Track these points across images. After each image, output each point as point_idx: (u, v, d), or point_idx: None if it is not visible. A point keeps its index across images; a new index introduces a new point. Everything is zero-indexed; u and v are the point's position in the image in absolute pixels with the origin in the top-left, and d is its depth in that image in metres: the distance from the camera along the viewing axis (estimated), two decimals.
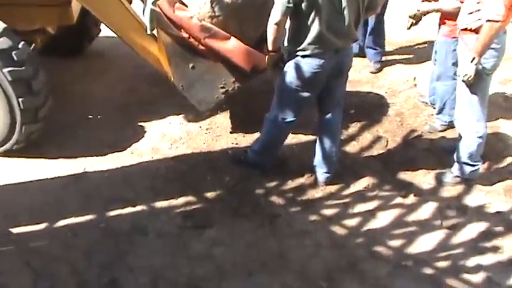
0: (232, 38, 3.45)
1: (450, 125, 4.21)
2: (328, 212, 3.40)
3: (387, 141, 4.13)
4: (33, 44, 4.05)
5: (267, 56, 3.33)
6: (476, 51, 3.15)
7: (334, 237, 3.20)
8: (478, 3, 3.17)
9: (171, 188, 3.58)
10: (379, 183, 3.66)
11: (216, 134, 4.19)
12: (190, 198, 3.50)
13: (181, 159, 3.88)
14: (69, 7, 3.99)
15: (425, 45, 5.69)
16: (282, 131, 3.59)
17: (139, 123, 4.31)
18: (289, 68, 3.27)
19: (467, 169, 3.53)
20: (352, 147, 4.05)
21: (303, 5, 3.01)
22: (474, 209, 3.39)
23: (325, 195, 3.55)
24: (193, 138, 4.14)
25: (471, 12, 3.23)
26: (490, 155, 3.81)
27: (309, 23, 3.06)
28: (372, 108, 4.57)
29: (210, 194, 3.54)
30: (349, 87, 3.64)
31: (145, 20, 3.56)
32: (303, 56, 3.17)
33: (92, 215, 3.34)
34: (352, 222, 3.31)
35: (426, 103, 4.58)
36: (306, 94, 3.33)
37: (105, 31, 5.02)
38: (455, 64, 3.99)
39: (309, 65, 3.18)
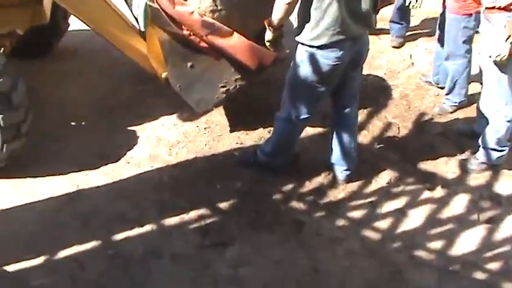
0: (235, 33, 3.12)
1: (460, 106, 4.04)
2: (355, 214, 3.15)
3: (399, 128, 3.90)
4: (2, 49, 3.56)
5: (267, 32, 2.95)
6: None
7: (368, 243, 2.96)
8: None
9: (179, 201, 3.24)
10: (401, 176, 3.43)
11: (217, 133, 3.84)
12: (202, 211, 3.17)
13: (185, 166, 3.53)
14: (41, 5, 3.51)
15: (415, 19, 5.44)
16: (296, 129, 3.29)
17: (130, 128, 3.89)
18: (303, 62, 2.93)
19: (495, 154, 3.34)
20: (364, 137, 3.79)
21: None
22: (507, 198, 3.21)
23: (348, 195, 3.30)
24: (193, 140, 3.78)
25: None
26: None
27: (325, 5, 2.70)
28: (375, 91, 4.31)
29: (223, 205, 3.22)
30: None
31: (139, 16, 3.15)
32: (319, 47, 2.83)
33: (96, 241, 2.97)
34: (383, 224, 3.08)
35: (430, 83, 4.37)
36: (322, 89, 3.01)
37: (74, 24, 4.53)
38: (465, 42, 3.80)
39: (326, 57, 2.85)
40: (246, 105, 3.99)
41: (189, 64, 3.21)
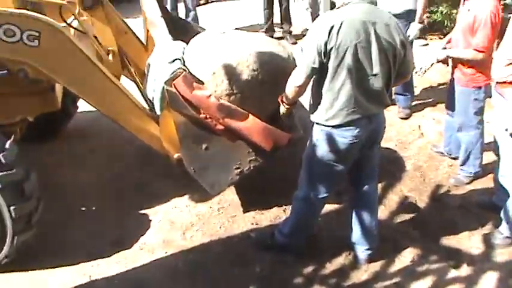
0: (251, 116, 3.11)
1: (476, 176, 3.99)
2: None
3: (416, 202, 3.82)
4: (13, 136, 3.52)
5: (281, 107, 3.02)
6: None
7: None
8: None
9: None
10: (424, 253, 3.31)
11: (231, 214, 3.75)
12: None
13: (200, 251, 3.41)
14: (53, 93, 3.52)
15: (421, 89, 5.51)
16: (315, 209, 3.21)
17: (141, 211, 3.81)
18: (319, 141, 2.90)
19: None
20: (381, 213, 3.68)
21: (330, 65, 2.67)
22: None
23: (372, 276, 3.16)
24: (207, 222, 3.68)
25: (509, 64, 3.01)
26: None
27: (338, 85, 2.71)
28: (388, 164, 4.26)
29: None
30: None
31: (155, 99, 3.14)
32: (335, 126, 2.81)
33: None
34: None
35: (442, 153, 4.34)
36: (339, 168, 2.96)
37: (82, 106, 4.55)
38: (477, 113, 3.81)
39: (343, 136, 2.82)
40: (259, 183, 3.91)
41: (203, 146, 3.17)
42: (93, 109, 3.44)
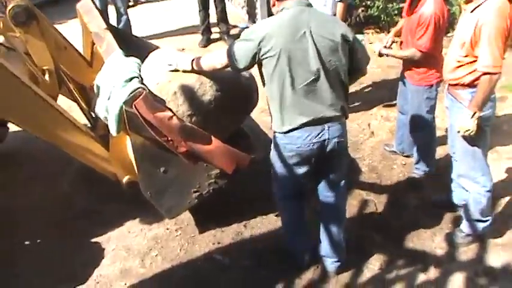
0: (213, 138, 2.97)
1: (430, 174, 4.02)
2: None
3: (375, 205, 3.80)
4: None
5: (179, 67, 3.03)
6: (477, 106, 2.93)
7: None
8: (466, 56, 2.96)
9: None
10: (390, 259, 3.29)
11: (190, 234, 3.57)
12: None
13: (163, 278, 3.22)
14: None
15: (367, 87, 5.52)
16: (289, 209, 3.17)
17: (92, 240, 3.55)
18: (274, 147, 2.89)
19: (480, 225, 3.30)
20: None
21: (268, 72, 2.64)
22: (503, 271, 3.13)
23: None
24: (165, 245, 3.48)
25: (460, 66, 3.02)
26: None
27: (279, 91, 2.66)
28: None
29: None
30: None
31: (110, 119, 2.88)
32: (286, 132, 2.74)
33: None
34: None
35: (395, 152, 4.35)
36: (298, 170, 2.89)
37: (13, 126, 4.20)
38: (429, 112, 3.83)
39: (293, 143, 2.75)
40: (215, 199, 3.75)
41: (162, 169, 2.99)
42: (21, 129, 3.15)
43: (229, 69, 2.80)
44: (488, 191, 3.21)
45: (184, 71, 3.00)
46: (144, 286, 3.16)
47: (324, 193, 3.05)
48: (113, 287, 3.17)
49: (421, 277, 3.14)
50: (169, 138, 2.83)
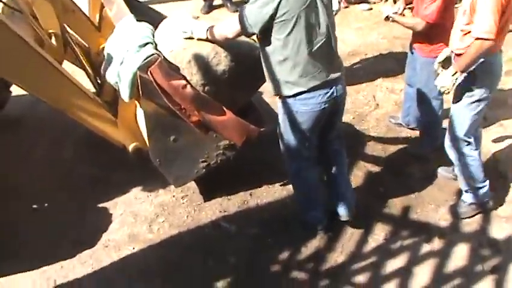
0: (226, 110, 2.96)
1: (437, 146, 4.02)
2: (361, 279, 3.01)
3: (380, 176, 3.82)
4: None
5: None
6: (460, 67, 2.97)
7: None
8: (468, 24, 2.95)
9: (171, 287, 2.96)
10: (395, 229, 3.33)
11: (196, 202, 3.59)
12: None
13: (170, 244, 3.26)
14: None
15: (372, 58, 5.48)
16: (306, 176, 3.18)
17: (100, 205, 3.57)
18: (286, 114, 2.91)
19: (479, 192, 3.35)
20: None
21: (282, 35, 2.63)
22: (505, 243, 3.18)
23: (348, 257, 3.15)
24: (172, 212, 3.51)
25: (464, 34, 3.01)
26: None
27: (293, 54, 2.68)
28: (347, 139, 4.13)
29: (221, 284, 2.98)
30: None
31: (123, 84, 2.84)
32: (297, 95, 2.78)
33: None
34: (391, 287, 2.95)
35: (400, 124, 4.36)
36: (311, 132, 2.96)
37: (15, 91, 4.16)
38: None
39: (306, 104, 2.81)
40: (222, 167, 3.77)
41: (172, 138, 2.98)
42: (26, 93, 3.11)
43: (244, 39, 2.79)
44: (474, 159, 3.27)
45: (199, 39, 2.98)
46: (152, 251, 3.20)
47: (328, 143, 3.17)
48: (121, 251, 3.21)
49: (425, 247, 3.19)
50: (182, 107, 2.82)
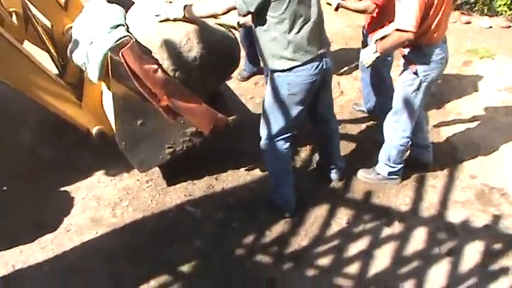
0: (195, 96, 2.96)
1: None
2: (324, 261, 3.06)
3: (345, 163, 3.88)
4: None
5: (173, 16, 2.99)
6: (380, 48, 3.11)
7: None
8: None
9: (136, 269, 2.95)
10: (357, 214, 3.40)
11: (161, 186, 3.57)
12: (164, 277, 2.92)
13: (135, 228, 3.24)
14: None
15: (337, 46, 5.54)
16: (282, 152, 3.21)
17: (62, 188, 3.51)
18: (278, 86, 2.99)
19: (386, 169, 3.59)
20: (316, 176, 3.73)
21: (278, 12, 2.73)
22: (461, 227, 3.29)
23: (312, 241, 3.20)
24: (136, 196, 3.49)
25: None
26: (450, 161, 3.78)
27: (289, 29, 2.80)
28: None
29: (186, 268, 2.98)
30: None
31: (92, 65, 2.78)
32: (292, 69, 2.90)
33: None
34: (353, 269, 3.01)
35: (363, 111, 4.44)
36: (299, 108, 3.06)
37: None
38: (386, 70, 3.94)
39: (299, 76, 2.92)
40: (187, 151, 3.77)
41: (139, 122, 2.97)
42: None
43: (218, 27, 2.79)
44: (401, 145, 3.45)
45: (175, 20, 2.94)
46: (116, 235, 3.17)
47: (320, 115, 3.35)
48: (84, 235, 3.17)
49: (386, 231, 3.27)
50: (152, 91, 2.79)
